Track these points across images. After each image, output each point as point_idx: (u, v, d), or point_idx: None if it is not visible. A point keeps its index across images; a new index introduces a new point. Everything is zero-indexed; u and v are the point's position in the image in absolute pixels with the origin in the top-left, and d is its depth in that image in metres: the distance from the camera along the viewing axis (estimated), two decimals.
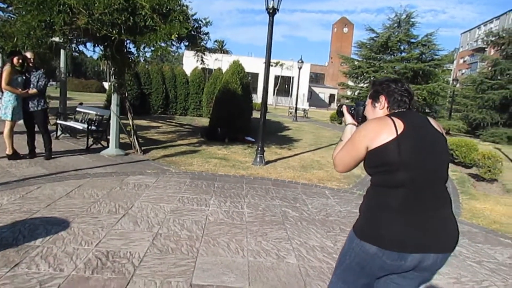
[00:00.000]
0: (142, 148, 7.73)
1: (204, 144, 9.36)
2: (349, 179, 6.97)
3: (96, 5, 5.28)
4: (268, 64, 7.31)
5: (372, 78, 21.67)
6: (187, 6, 6.29)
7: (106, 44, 6.64)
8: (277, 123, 18.14)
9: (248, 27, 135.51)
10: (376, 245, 1.61)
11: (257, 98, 39.69)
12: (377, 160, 1.62)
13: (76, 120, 8.72)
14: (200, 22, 7.25)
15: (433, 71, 20.60)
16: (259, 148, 7.47)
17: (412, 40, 21.61)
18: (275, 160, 8.10)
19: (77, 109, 8.77)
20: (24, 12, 5.23)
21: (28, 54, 6.11)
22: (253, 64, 41.36)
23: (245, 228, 3.94)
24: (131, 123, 7.51)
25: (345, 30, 55.90)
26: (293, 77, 42.50)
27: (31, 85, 6.09)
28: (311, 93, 52.85)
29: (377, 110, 1.80)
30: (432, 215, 1.60)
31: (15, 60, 5.81)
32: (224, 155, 8.15)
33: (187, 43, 7.24)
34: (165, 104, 16.88)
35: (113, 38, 5.64)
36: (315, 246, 3.66)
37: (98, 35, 5.61)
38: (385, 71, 20.80)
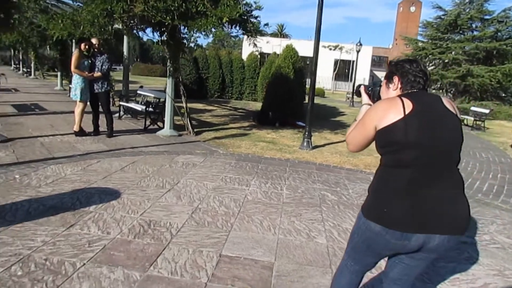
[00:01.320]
0: (195, 130, 8.11)
1: (254, 128, 9.56)
2: None
3: None
4: (317, 46, 7.25)
5: (438, 60, 20.34)
6: None
7: (161, 30, 7.02)
8: (332, 108, 17.82)
9: (308, 10, 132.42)
10: (380, 224, 1.64)
11: (316, 83, 39.12)
12: (384, 140, 1.65)
13: (137, 102, 9.35)
14: (251, 6, 7.35)
15: (511, 50, 18.74)
16: (306, 133, 7.48)
17: (486, 17, 19.78)
18: (323, 145, 8.06)
19: (138, 91, 9.38)
20: (89, 2, 5.71)
21: (94, 40, 6.66)
22: (310, 48, 40.68)
23: (280, 208, 4.06)
24: (184, 106, 7.89)
25: (412, 9, 52.40)
26: (353, 61, 41.12)
27: (96, 69, 6.65)
28: (373, 77, 50.70)
29: (391, 91, 1.80)
30: (439, 195, 1.59)
31: (82, 46, 6.39)
32: (272, 139, 8.27)
33: (238, 28, 7.37)
34: (222, 88, 17.33)
35: (166, 24, 5.94)
36: (348, 229, 3.67)
37: (153, 21, 5.95)
38: (453, 52, 19.37)
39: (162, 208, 3.74)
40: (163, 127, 7.88)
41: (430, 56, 20.38)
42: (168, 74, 7.56)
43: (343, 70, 42.48)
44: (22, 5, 7.14)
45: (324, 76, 40.29)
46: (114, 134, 6.98)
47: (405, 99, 1.62)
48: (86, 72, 6.49)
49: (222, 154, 6.43)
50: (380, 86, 1.94)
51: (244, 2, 7.25)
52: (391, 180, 1.66)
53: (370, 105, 1.99)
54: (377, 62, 53.17)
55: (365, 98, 2.05)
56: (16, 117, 8.19)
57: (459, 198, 1.63)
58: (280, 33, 72.20)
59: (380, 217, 1.65)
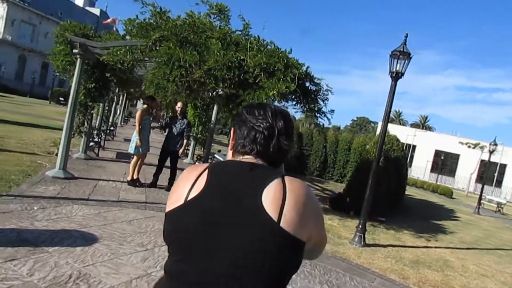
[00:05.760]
0: None
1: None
2: None
3: (207, 62, 5.98)
4: (384, 134, 6.48)
5: None
6: (297, 68, 6.33)
7: (232, 99, 7.35)
8: (447, 211, 15.28)
9: (464, 105, 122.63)
10: None
11: (454, 183, 34.58)
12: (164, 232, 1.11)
13: None
14: (322, 87, 7.18)
15: None
16: (360, 226, 6.44)
17: None
18: (386, 246, 6.77)
19: (214, 155, 9.78)
20: (156, 65, 6.44)
21: (179, 104, 7.35)
22: (451, 144, 36.78)
23: None
24: None
25: None
26: (506, 165, 35.51)
27: (174, 129, 7.22)
28: None
29: (229, 149, 1.23)
30: None
31: (146, 106, 7.10)
32: (328, 226, 7.37)
33: (301, 105, 7.22)
34: (323, 167, 16.86)
35: (219, 91, 6.19)
36: None
37: (206, 87, 6.28)
38: None
39: (112, 265, 3.54)
40: None
41: None
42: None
43: (492, 173, 36.64)
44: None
45: (462, 176, 35.56)
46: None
47: (206, 173, 1.08)
48: (139, 139, 6.94)
49: None
50: None
51: (317, 81, 7.18)
52: None
53: None
54: None
55: None
56: (108, 162, 9.35)
57: None
58: (422, 124, 68.80)
59: None
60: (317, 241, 1.14)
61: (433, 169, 38.31)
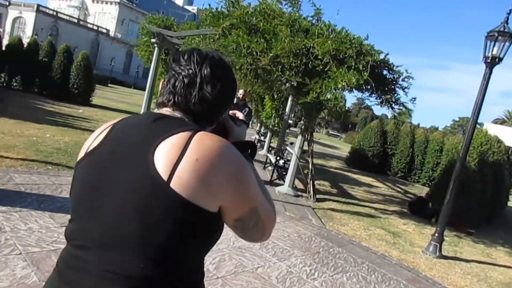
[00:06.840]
0: (319, 196, 7.54)
1: (397, 214, 8.00)
2: None
3: (273, 49, 5.80)
4: (472, 130, 5.58)
5: None
6: (372, 55, 5.79)
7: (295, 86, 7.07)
8: None
9: None
10: None
11: None
12: None
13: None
14: (401, 74, 6.51)
15: None
16: (436, 234, 5.68)
17: None
18: (468, 261, 5.89)
19: (286, 147, 9.59)
20: (225, 54, 6.46)
21: (240, 91, 7.37)
22: None
23: None
24: (310, 167, 7.50)
25: None
26: None
27: None
28: None
29: None
30: None
31: None
32: (401, 231, 6.70)
33: (376, 97, 6.63)
34: (408, 169, 15.53)
35: (283, 79, 5.99)
36: None
37: (273, 76, 6.11)
38: None
39: None
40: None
41: None
42: (299, 132, 7.46)
43: None
44: None
45: None
46: None
47: (112, 125, 0.98)
48: None
49: (309, 224, 5.66)
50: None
51: (396, 68, 6.54)
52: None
53: None
54: None
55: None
56: None
57: None
58: None
59: None
60: (243, 216, 0.90)
61: None
